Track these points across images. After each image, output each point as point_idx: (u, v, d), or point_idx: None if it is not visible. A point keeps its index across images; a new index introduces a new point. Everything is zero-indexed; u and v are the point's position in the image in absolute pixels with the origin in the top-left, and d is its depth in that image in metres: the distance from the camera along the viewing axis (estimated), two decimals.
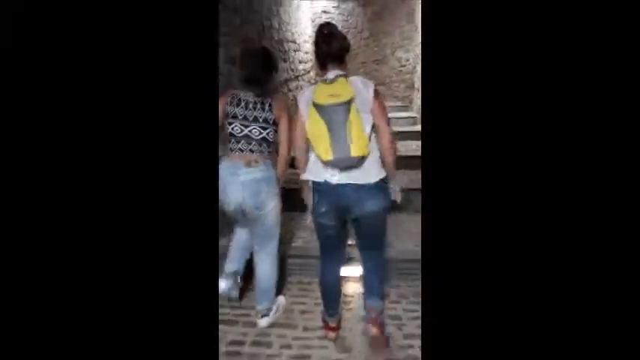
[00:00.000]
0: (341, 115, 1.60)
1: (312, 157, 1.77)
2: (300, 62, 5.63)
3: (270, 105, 1.91)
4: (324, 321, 2.06)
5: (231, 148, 1.95)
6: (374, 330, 1.89)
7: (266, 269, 2.08)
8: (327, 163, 1.67)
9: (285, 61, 4.88)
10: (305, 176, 1.79)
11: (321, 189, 1.74)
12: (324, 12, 7.50)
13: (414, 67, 6.33)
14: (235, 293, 2.17)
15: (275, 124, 1.93)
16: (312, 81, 6.14)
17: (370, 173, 1.70)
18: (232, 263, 2.18)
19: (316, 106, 1.63)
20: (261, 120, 1.91)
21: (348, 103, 1.60)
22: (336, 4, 7.65)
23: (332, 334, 2.00)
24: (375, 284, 1.93)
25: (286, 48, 5.01)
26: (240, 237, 2.20)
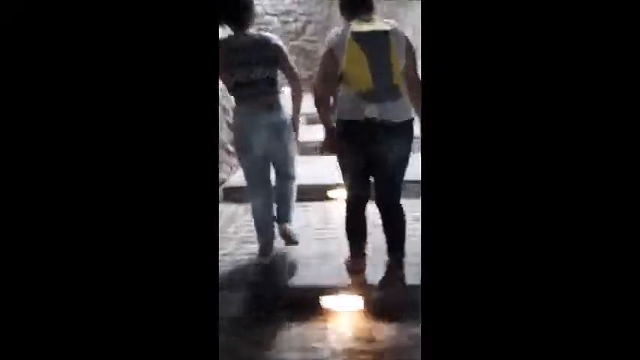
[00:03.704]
0: (382, 43, 1.63)
1: (346, 94, 1.74)
2: None
3: (266, 40, 1.93)
4: (349, 268, 2.05)
5: (241, 96, 1.96)
6: (401, 273, 1.92)
7: (288, 191, 2.24)
8: (365, 95, 1.66)
9: None
10: (338, 116, 1.77)
11: (354, 130, 1.72)
12: None
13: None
14: (271, 259, 2.26)
15: (275, 61, 1.94)
16: None
17: (404, 108, 1.72)
18: (263, 235, 2.23)
19: (356, 34, 1.63)
20: (263, 60, 1.91)
21: (387, 34, 1.64)
22: None
23: (356, 278, 1.99)
24: (399, 238, 1.93)
25: None
26: (256, 208, 2.19)
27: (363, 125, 1.69)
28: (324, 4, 5.57)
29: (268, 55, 1.93)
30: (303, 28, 5.77)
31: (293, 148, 2.15)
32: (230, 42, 1.94)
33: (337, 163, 1.91)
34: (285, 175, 2.23)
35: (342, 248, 2.19)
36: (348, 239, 2.02)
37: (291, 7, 5.75)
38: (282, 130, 2.02)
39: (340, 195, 2.79)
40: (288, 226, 2.30)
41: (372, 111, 1.67)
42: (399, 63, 1.66)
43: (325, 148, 1.93)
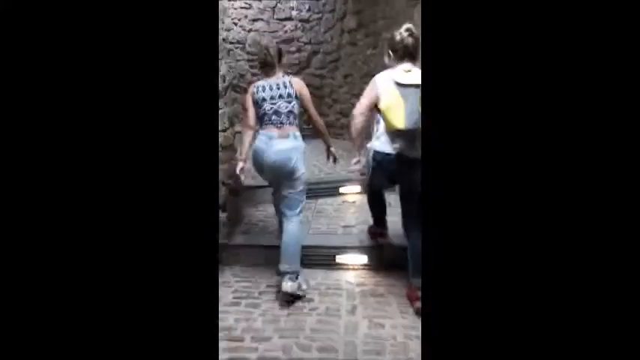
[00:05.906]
0: (415, 94, 2.03)
1: (384, 130, 2.16)
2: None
3: (290, 82, 2.37)
4: (372, 233, 2.73)
5: (265, 123, 2.37)
6: (418, 304, 2.21)
7: (293, 231, 2.37)
8: (396, 133, 2.09)
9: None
10: (373, 146, 2.21)
11: (387, 160, 2.16)
12: None
13: None
14: (301, 292, 2.33)
15: (297, 97, 2.38)
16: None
17: None
18: (288, 264, 2.32)
19: (397, 84, 2.07)
20: (285, 96, 2.34)
21: (420, 86, 1.98)
22: None
23: (381, 240, 2.64)
24: (419, 261, 2.20)
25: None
26: (287, 233, 2.36)
27: (394, 157, 2.13)
28: (335, 31, 4.65)
29: (291, 93, 2.36)
30: (308, 60, 4.82)
31: (303, 172, 2.40)
32: (263, 83, 2.41)
33: (367, 181, 2.36)
34: (288, 205, 2.41)
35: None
36: (371, 211, 2.68)
37: (295, 34, 4.78)
38: (291, 156, 2.32)
39: (349, 190, 3.73)
40: (290, 282, 2.38)
41: (402, 147, 2.10)
42: None
43: (358, 177, 2.47)
